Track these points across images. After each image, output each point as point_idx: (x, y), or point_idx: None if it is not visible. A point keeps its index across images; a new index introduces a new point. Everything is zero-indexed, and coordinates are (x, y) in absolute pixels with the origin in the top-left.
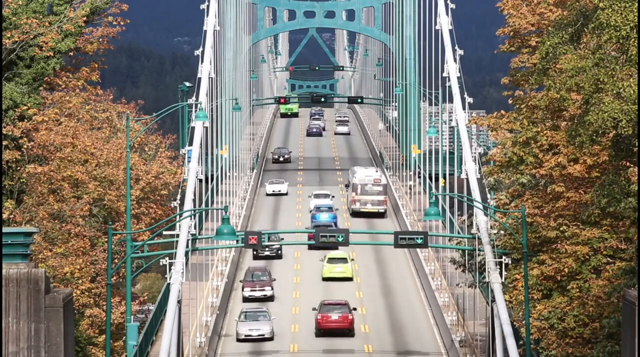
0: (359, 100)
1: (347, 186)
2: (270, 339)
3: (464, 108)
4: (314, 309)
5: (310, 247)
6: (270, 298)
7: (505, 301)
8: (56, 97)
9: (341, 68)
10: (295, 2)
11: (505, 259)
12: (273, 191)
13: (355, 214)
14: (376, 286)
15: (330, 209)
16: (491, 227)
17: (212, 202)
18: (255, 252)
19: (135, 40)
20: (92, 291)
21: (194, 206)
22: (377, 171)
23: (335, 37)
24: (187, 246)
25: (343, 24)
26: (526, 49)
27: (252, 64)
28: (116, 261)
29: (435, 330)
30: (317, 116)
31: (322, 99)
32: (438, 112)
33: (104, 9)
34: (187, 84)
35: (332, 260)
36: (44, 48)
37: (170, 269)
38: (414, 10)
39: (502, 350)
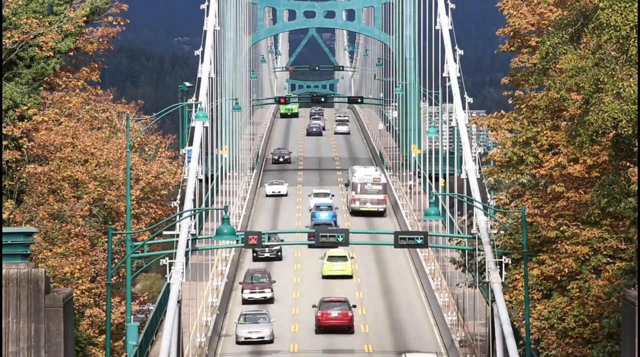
0: (359, 100)
1: (346, 185)
2: (270, 341)
3: (464, 108)
4: (313, 306)
5: (311, 245)
6: (270, 300)
7: (505, 301)
8: (56, 97)
9: (341, 68)
10: (295, 2)
11: (505, 259)
12: (273, 192)
13: (355, 213)
14: (376, 286)
15: (330, 207)
16: (491, 227)
17: (212, 202)
18: (255, 254)
19: (135, 40)
20: (92, 291)
21: (194, 206)
22: (376, 170)
23: (335, 37)
24: (187, 246)
25: (343, 24)
26: (526, 49)
27: (252, 64)
28: (116, 261)
29: (435, 330)
30: (317, 116)
31: (322, 99)
32: (438, 112)
33: (104, 9)
34: (187, 84)
35: (332, 258)
36: (44, 48)
37: (170, 269)
38: (414, 10)
39: (502, 350)
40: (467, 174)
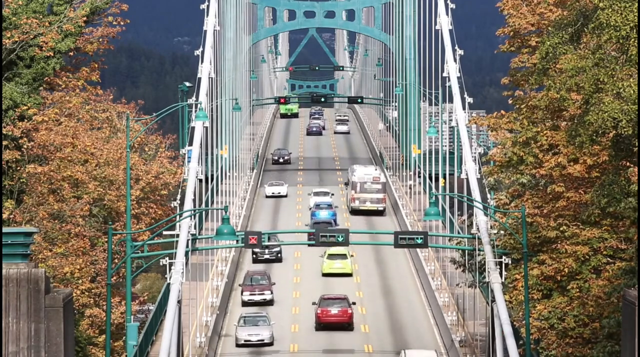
0: (359, 100)
1: (346, 184)
2: (270, 344)
3: (464, 108)
4: (313, 303)
5: (311, 244)
6: (270, 302)
7: (505, 301)
8: (56, 97)
9: (341, 68)
10: (295, 2)
11: (505, 259)
12: (272, 193)
13: (355, 212)
14: (376, 286)
15: (329, 206)
16: (491, 227)
17: (212, 202)
18: (254, 256)
19: (135, 40)
20: (92, 291)
21: (194, 206)
22: (376, 169)
23: (335, 37)
24: (187, 246)
25: (343, 24)
26: (526, 49)
27: (252, 64)
28: (116, 261)
29: (435, 330)
30: (317, 115)
31: (322, 99)
32: (438, 112)
33: (104, 9)
34: (187, 84)
35: (331, 256)
36: (44, 48)
37: (170, 269)
38: (414, 10)
39: (502, 350)
40: (467, 174)
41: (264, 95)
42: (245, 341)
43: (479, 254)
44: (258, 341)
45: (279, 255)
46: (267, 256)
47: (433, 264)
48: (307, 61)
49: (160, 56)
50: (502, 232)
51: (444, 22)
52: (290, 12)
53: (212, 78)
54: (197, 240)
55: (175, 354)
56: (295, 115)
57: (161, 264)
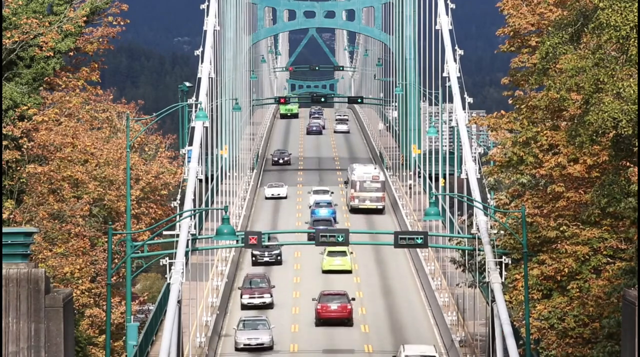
0: (359, 100)
1: (346, 182)
2: (270, 348)
3: (464, 108)
4: (313, 299)
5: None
6: (270, 305)
7: (505, 301)
8: (56, 97)
9: (341, 68)
10: (295, 2)
11: (505, 259)
12: (272, 195)
13: (354, 210)
14: (376, 286)
15: (329, 204)
16: (491, 227)
17: (212, 202)
18: (254, 259)
19: (135, 40)
20: (92, 291)
21: (194, 206)
22: (375, 168)
23: (335, 37)
24: (187, 246)
25: (343, 24)
26: (526, 49)
27: (252, 64)
28: (116, 261)
29: (435, 330)
30: (316, 115)
31: (322, 99)
32: (438, 112)
33: (104, 9)
34: (187, 84)
35: (331, 253)
36: (44, 48)
37: (170, 269)
38: (414, 10)
39: (502, 350)
40: (467, 174)
41: (264, 96)
42: (244, 344)
43: (479, 254)
44: (257, 345)
45: (279, 257)
46: (266, 259)
47: (433, 264)
48: (307, 61)
49: (160, 56)
50: (502, 232)
51: (444, 22)
52: (290, 12)
53: (212, 78)
54: (197, 240)
55: (175, 354)
56: (295, 116)
57: (161, 264)
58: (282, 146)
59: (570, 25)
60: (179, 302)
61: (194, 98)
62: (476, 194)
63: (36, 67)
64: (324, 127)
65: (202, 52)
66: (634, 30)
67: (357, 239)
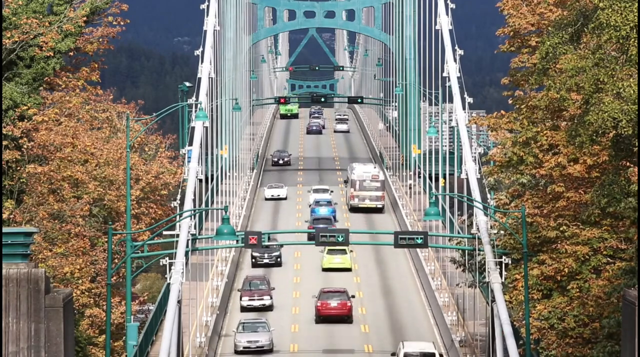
0: (359, 100)
1: (345, 182)
2: (270, 351)
3: (464, 108)
4: (313, 296)
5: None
6: (269, 308)
7: (505, 301)
8: (56, 97)
9: (341, 68)
10: (295, 2)
11: (505, 259)
12: (272, 196)
13: (354, 209)
14: (376, 286)
15: (329, 203)
16: (491, 227)
17: (212, 202)
18: (254, 260)
19: (135, 40)
20: (92, 291)
21: (194, 206)
22: (375, 167)
23: (335, 37)
24: (187, 246)
25: (343, 24)
26: (526, 49)
27: (252, 64)
28: (116, 261)
29: (435, 330)
30: (316, 114)
31: (322, 99)
32: (438, 112)
33: (104, 9)
34: (187, 84)
35: (331, 251)
36: (44, 48)
37: (170, 269)
38: (414, 10)
39: (502, 350)
40: (467, 174)
41: (264, 96)
42: (244, 347)
43: (479, 254)
44: (257, 347)
45: (279, 259)
46: (266, 261)
47: (433, 264)
48: (307, 61)
49: (160, 56)
50: (502, 232)
51: (444, 22)
52: (290, 12)
53: (212, 78)
54: (197, 240)
55: (175, 354)
56: (295, 116)
57: (161, 264)
58: (282, 146)
59: (570, 25)
60: (179, 302)
61: (194, 98)
62: (476, 194)
63: (36, 67)
64: (323, 127)
65: (202, 52)
66: (634, 30)
67: (357, 239)
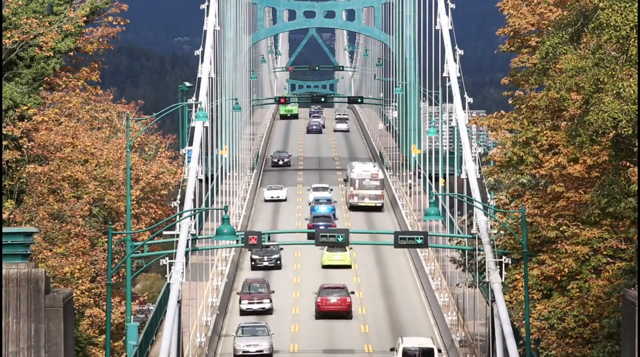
0: (359, 100)
1: (345, 180)
2: (269, 355)
3: (464, 108)
4: (314, 292)
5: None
6: (269, 311)
7: (505, 301)
8: (56, 97)
9: (341, 68)
10: (295, 2)
11: (505, 259)
12: (271, 197)
13: (354, 208)
14: (376, 286)
15: (328, 201)
16: (491, 227)
17: (212, 202)
18: (253, 263)
19: (135, 40)
20: (92, 291)
21: (194, 206)
22: (374, 166)
23: (335, 37)
24: (187, 246)
25: (343, 24)
26: (526, 49)
27: (252, 64)
28: (116, 261)
29: (435, 330)
30: (316, 114)
31: (322, 99)
32: (438, 112)
33: (104, 9)
34: (187, 84)
35: (331, 248)
36: (44, 48)
37: (170, 269)
38: (414, 10)
39: (502, 350)
40: (467, 174)
41: (264, 96)
42: (243, 351)
43: (479, 254)
44: (257, 352)
45: (278, 262)
46: (266, 263)
47: (433, 264)
48: (307, 61)
49: (160, 56)
50: (502, 232)
51: (444, 22)
52: (290, 12)
53: (212, 78)
54: (197, 240)
55: (175, 354)
56: (295, 116)
57: (161, 264)
58: (282, 146)
59: (570, 25)
60: (179, 302)
61: (194, 98)
62: (476, 194)
63: (36, 67)
64: (323, 126)
65: (202, 52)
66: (634, 30)
67: (357, 239)
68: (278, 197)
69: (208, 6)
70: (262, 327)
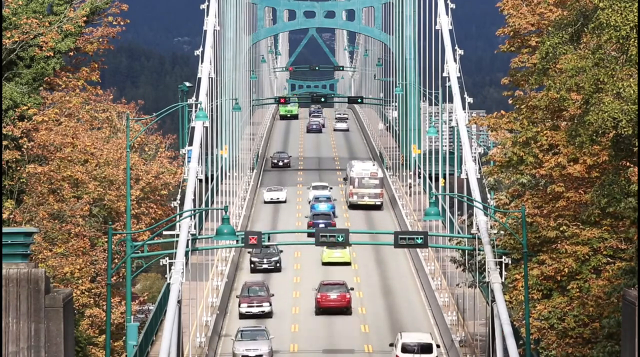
0: (359, 100)
1: (345, 179)
2: None
3: (464, 108)
4: (313, 289)
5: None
6: (269, 314)
7: (505, 301)
8: (56, 97)
9: (341, 68)
10: (295, 2)
11: (505, 259)
12: (271, 199)
13: (353, 206)
14: (376, 286)
15: (328, 199)
16: (491, 227)
17: (212, 202)
18: (252, 265)
19: (135, 40)
20: (92, 291)
21: (194, 206)
22: (374, 165)
23: (335, 37)
24: (187, 246)
25: (343, 24)
26: (526, 49)
27: (252, 64)
28: (116, 261)
29: (435, 330)
30: (316, 113)
31: (322, 99)
32: (438, 112)
33: (104, 9)
34: (187, 84)
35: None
36: (44, 48)
37: (170, 269)
38: (414, 10)
39: (502, 350)
40: (467, 174)
41: (264, 96)
42: (242, 356)
43: (479, 254)
44: (256, 356)
45: (278, 265)
46: (265, 266)
47: (433, 264)
48: (307, 61)
49: (160, 56)
50: (502, 232)
51: (444, 22)
52: (290, 12)
53: (212, 78)
54: (197, 240)
55: (175, 354)
56: (295, 117)
57: (161, 264)
58: (282, 146)
59: (570, 25)
60: (179, 302)
61: (194, 98)
62: (476, 194)
63: (36, 67)
64: (323, 126)
65: (202, 52)
66: (634, 30)
67: (357, 239)
68: (278, 198)
69: (208, 6)
70: (261, 331)
